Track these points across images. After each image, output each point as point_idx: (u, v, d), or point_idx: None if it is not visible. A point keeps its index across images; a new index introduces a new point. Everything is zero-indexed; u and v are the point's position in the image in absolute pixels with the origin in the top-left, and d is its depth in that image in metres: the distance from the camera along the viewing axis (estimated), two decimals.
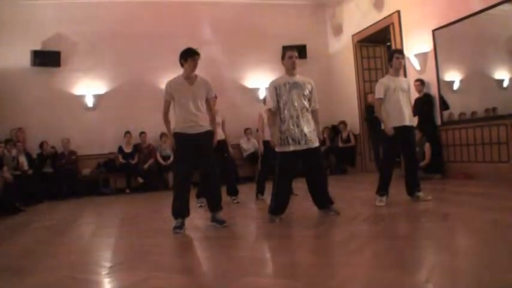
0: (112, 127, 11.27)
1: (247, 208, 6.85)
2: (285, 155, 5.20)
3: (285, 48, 12.01)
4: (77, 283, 3.31)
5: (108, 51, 11.36)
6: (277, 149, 5.26)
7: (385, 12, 10.53)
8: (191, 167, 5.22)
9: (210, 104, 5.34)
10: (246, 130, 12.01)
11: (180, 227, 5.02)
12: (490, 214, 4.76)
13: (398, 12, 10.05)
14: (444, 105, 9.02)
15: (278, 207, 5.24)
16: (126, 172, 10.88)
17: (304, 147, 5.17)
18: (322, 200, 5.48)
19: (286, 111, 5.19)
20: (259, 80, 12.59)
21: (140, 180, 10.90)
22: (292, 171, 5.34)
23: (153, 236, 5.02)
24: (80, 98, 11.23)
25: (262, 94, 12.55)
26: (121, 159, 11.02)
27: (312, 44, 12.70)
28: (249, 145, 12.02)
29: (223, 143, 7.24)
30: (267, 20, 12.59)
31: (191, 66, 5.12)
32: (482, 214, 4.84)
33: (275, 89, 5.26)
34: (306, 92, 5.30)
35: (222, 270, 3.43)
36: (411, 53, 9.45)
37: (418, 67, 9.44)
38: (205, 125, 5.20)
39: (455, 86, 9.00)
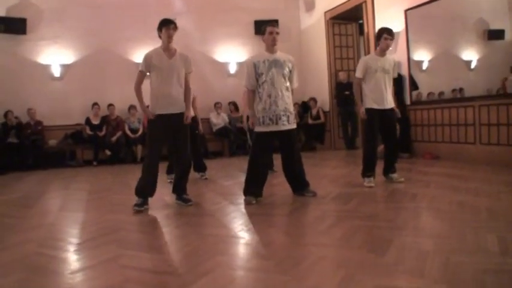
0: (79, 98, 11.05)
1: (217, 184, 6.81)
2: (261, 135, 5.09)
3: (258, 23, 12.17)
4: (45, 260, 3.26)
5: (77, 20, 11.04)
6: (255, 129, 5.14)
7: None
8: (162, 148, 5.21)
9: (187, 78, 5.17)
10: (216, 104, 11.93)
11: (141, 204, 4.96)
12: (457, 195, 4.91)
13: None
14: (414, 85, 9.13)
15: (253, 188, 5.11)
16: (94, 144, 10.69)
17: (282, 128, 5.05)
18: (297, 184, 5.39)
19: (264, 90, 5.03)
20: (230, 54, 12.55)
21: (108, 152, 10.73)
22: (268, 152, 5.21)
23: (122, 211, 4.94)
24: (46, 67, 10.92)
25: (232, 68, 12.53)
26: (88, 131, 10.83)
27: (284, 19, 12.62)
28: (219, 120, 11.96)
29: (193, 120, 7.11)
30: None
31: (166, 37, 4.94)
32: (449, 195, 4.96)
33: (254, 66, 5.08)
34: (286, 71, 5.12)
35: (193, 249, 3.42)
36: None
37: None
38: (181, 104, 5.06)
39: (424, 66, 9.12)
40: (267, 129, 5.04)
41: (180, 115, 5.04)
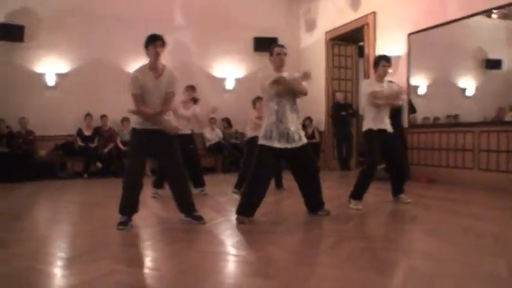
0: (72, 108, 10.88)
1: (212, 200, 6.63)
2: (265, 150, 4.88)
3: (257, 40, 12.15)
4: (36, 275, 3.09)
5: (75, 29, 10.92)
6: (259, 142, 4.95)
7: (361, 12, 10.54)
8: (145, 165, 4.95)
9: (168, 98, 4.70)
10: (210, 119, 11.79)
11: (126, 222, 4.62)
12: (459, 219, 4.86)
13: (374, 13, 10.07)
14: (412, 108, 9.08)
15: (249, 206, 4.87)
16: (85, 156, 10.51)
17: (286, 145, 4.87)
18: (313, 203, 5.20)
19: (271, 107, 4.91)
20: (228, 69, 12.49)
21: (99, 165, 10.56)
22: (270, 169, 4.98)
23: (114, 225, 4.65)
24: (40, 76, 10.74)
25: (229, 84, 12.43)
26: (80, 142, 10.65)
27: (284, 38, 12.56)
28: (213, 135, 11.83)
29: (189, 137, 7.05)
30: (240, 9, 12.43)
31: (153, 54, 4.59)
32: (451, 219, 4.89)
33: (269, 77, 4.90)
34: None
35: (191, 267, 3.26)
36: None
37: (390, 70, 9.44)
38: (166, 122, 4.75)
39: (421, 91, 9.10)
40: (272, 145, 4.86)
41: (165, 131, 4.73)
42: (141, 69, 4.69)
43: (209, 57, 12.36)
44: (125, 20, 11.16)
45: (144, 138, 4.69)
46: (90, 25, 11.02)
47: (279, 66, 5.00)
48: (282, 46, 5.07)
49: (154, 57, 4.61)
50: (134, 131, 4.78)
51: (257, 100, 7.24)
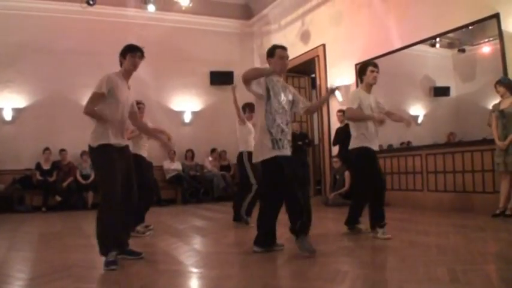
0: (30, 142, 10.85)
1: (171, 228, 6.70)
2: (273, 162, 4.30)
3: (213, 74, 12.40)
4: None
5: (31, 64, 10.96)
6: (267, 156, 4.33)
7: (311, 45, 11.02)
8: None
9: (136, 115, 4.54)
10: (169, 152, 11.92)
11: (115, 261, 3.95)
12: (407, 235, 5.10)
13: (324, 45, 10.53)
14: None
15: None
16: (44, 190, 10.44)
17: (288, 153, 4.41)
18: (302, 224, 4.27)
19: (273, 115, 4.37)
20: (185, 103, 12.70)
21: (58, 198, 10.49)
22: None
23: (76, 251, 4.83)
24: None
25: (187, 117, 12.61)
26: (38, 176, 10.60)
27: (239, 71, 12.78)
28: (172, 167, 11.93)
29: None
30: (196, 44, 12.71)
31: (130, 65, 4.31)
32: (399, 235, 5.11)
33: (266, 79, 4.38)
34: (290, 98, 4.58)
35: (152, 282, 3.43)
36: (334, 84, 9.85)
37: (340, 98, 9.85)
38: (125, 138, 4.38)
39: None
40: (279, 153, 4.31)
41: (128, 148, 4.39)
42: (116, 75, 4.32)
43: (166, 91, 12.57)
44: (80, 55, 11.21)
45: (115, 153, 4.16)
46: (46, 60, 11.05)
47: (281, 70, 4.53)
48: (284, 48, 4.54)
49: (131, 68, 4.35)
50: (108, 147, 4.13)
51: None
